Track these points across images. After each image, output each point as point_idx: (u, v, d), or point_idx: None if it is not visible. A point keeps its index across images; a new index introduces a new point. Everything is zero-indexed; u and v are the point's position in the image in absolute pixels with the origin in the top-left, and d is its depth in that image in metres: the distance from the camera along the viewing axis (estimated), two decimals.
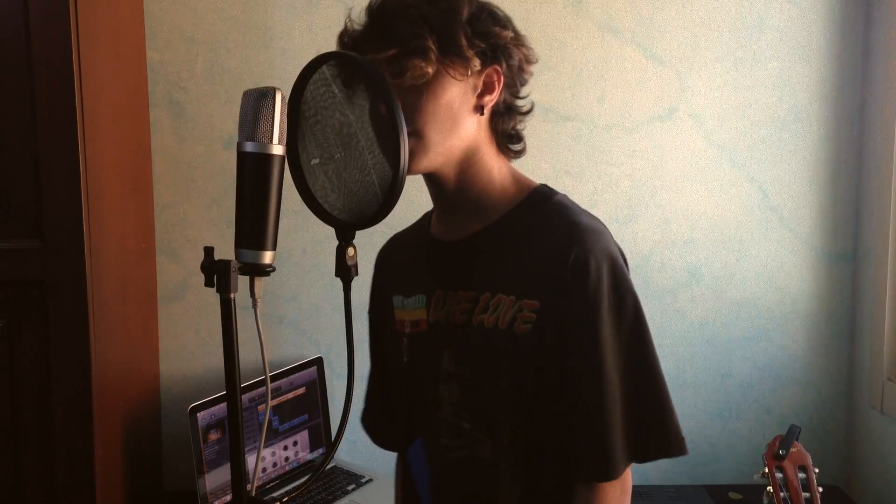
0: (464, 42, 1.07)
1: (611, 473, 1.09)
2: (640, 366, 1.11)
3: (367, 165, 1.02)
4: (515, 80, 1.15)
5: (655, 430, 1.11)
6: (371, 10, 1.10)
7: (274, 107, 0.96)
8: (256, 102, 0.95)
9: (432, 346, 1.18)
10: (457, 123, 1.10)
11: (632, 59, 2.14)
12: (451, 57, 1.07)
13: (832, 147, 2.17)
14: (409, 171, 1.08)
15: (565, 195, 1.18)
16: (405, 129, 0.99)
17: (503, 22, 1.13)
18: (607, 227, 1.15)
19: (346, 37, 1.11)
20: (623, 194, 2.17)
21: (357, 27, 1.10)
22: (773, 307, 2.20)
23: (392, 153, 1.00)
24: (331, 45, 1.14)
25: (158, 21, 2.10)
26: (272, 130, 0.96)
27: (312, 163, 1.05)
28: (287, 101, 0.99)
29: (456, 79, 1.08)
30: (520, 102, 1.17)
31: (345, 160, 1.04)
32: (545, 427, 1.11)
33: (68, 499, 1.71)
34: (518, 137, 1.18)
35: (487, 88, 1.12)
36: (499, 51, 1.11)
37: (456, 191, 1.16)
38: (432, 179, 1.17)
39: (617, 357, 1.09)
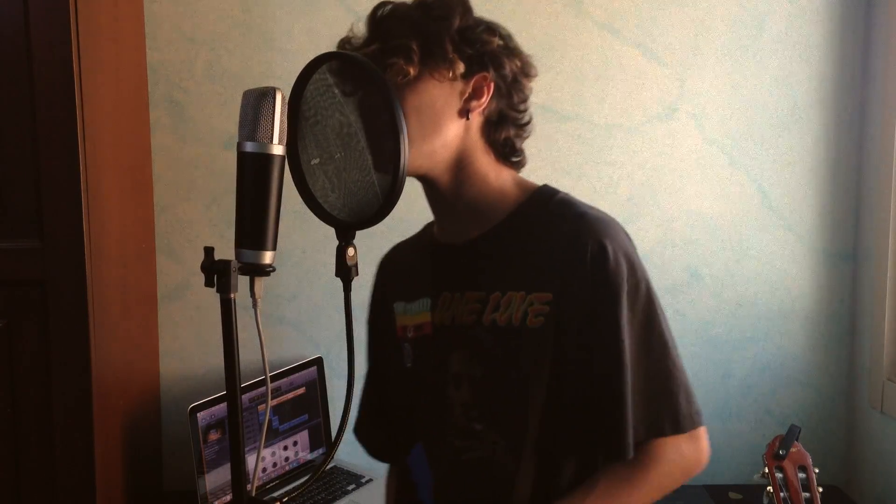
0: (448, 46, 1.10)
1: (624, 453, 1.11)
2: (652, 345, 1.14)
3: (367, 165, 1.03)
4: (510, 91, 1.16)
5: (667, 406, 1.15)
6: (371, 16, 1.14)
7: (274, 107, 0.96)
8: (256, 102, 0.95)
9: (439, 348, 1.18)
10: (439, 125, 1.12)
11: (632, 58, 2.14)
12: (435, 59, 1.10)
13: (832, 147, 2.17)
14: None
15: (567, 193, 1.21)
16: (405, 130, 1.00)
17: (496, 33, 1.15)
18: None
19: (346, 43, 1.15)
20: (623, 194, 2.17)
21: (357, 32, 1.15)
22: (773, 307, 2.20)
23: (392, 153, 1.00)
24: (331, 46, 1.14)
25: (158, 21, 2.10)
26: (272, 130, 0.96)
27: (312, 163, 1.05)
28: (287, 101, 0.99)
29: (439, 81, 1.10)
30: (515, 114, 1.18)
31: (345, 160, 1.04)
32: (559, 419, 1.12)
33: (68, 499, 1.71)
34: (513, 148, 1.19)
35: (475, 94, 1.13)
36: (486, 57, 1.12)
37: (452, 195, 1.17)
38: (429, 184, 1.18)
39: (632, 339, 1.11)
